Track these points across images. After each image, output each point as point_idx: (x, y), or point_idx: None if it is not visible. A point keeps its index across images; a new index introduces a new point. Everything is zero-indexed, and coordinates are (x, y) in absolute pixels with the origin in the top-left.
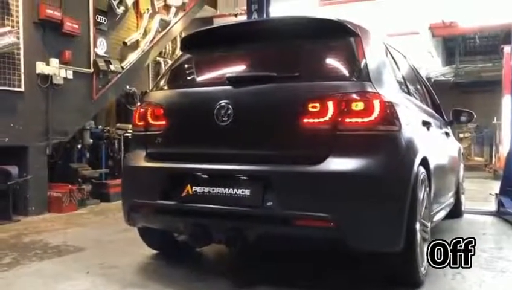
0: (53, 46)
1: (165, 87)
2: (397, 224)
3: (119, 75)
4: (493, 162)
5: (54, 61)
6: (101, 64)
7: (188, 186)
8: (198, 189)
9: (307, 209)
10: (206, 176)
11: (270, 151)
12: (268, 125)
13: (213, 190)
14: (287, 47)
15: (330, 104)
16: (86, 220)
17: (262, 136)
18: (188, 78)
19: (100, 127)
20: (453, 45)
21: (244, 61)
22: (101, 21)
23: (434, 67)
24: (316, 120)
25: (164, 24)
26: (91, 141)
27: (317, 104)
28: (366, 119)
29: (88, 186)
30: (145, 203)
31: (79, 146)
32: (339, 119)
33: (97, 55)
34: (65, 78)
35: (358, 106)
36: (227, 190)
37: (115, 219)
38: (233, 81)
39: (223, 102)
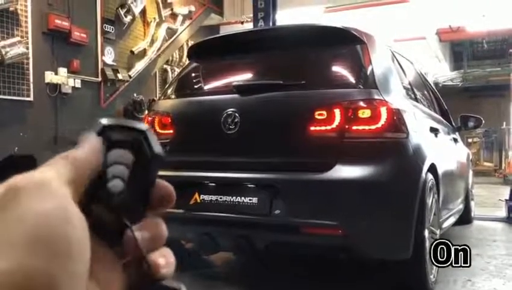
0: (61, 55)
1: (173, 96)
2: (405, 231)
3: (126, 84)
4: (503, 167)
5: (63, 71)
6: (109, 72)
7: (196, 195)
8: (206, 197)
9: (315, 217)
10: (213, 184)
11: (277, 159)
12: (275, 134)
13: (221, 198)
14: (294, 55)
15: (337, 112)
16: None
17: (269, 144)
18: (195, 86)
19: None
20: (461, 50)
21: (251, 69)
22: (109, 30)
23: (441, 72)
24: (323, 128)
25: (171, 32)
26: None
27: (324, 112)
28: (373, 127)
29: None
30: None
31: None
32: (346, 126)
33: (105, 64)
34: (73, 87)
35: (365, 113)
36: (234, 198)
37: None
38: (240, 89)
39: (230, 110)
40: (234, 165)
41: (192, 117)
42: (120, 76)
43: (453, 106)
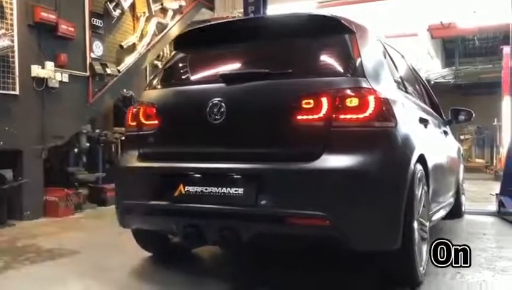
0: (48, 49)
1: (158, 86)
2: (394, 222)
3: (115, 78)
4: (494, 163)
5: (49, 64)
6: (97, 67)
7: (181, 186)
8: (191, 188)
9: (302, 207)
10: (198, 175)
11: (263, 149)
12: (262, 123)
13: (206, 189)
14: (281, 44)
15: (324, 101)
16: (82, 224)
17: (255, 134)
18: (181, 76)
19: (97, 131)
20: (452, 47)
21: (237, 58)
22: (97, 24)
23: (433, 69)
24: (310, 117)
25: (161, 27)
26: (88, 144)
27: (311, 101)
28: (361, 116)
29: (85, 190)
30: (138, 204)
31: (75, 150)
32: (333, 115)
33: (93, 58)
34: (61, 82)
35: (353, 102)
36: (220, 189)
37: (112, 222)
38: (226, 78)
39: (216, 100)
40: (220, 155)
41: (177, 107)
42: (109, 71)
43: (446, 104)
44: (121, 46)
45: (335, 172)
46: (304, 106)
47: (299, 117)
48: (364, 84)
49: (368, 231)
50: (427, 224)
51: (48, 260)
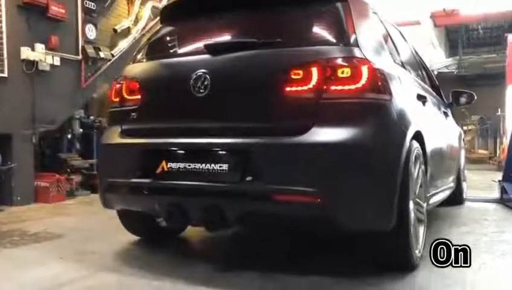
0: (39, 31)
1: (142, 60)
2: (387, 200)
3: (109, 63)
4: (497, 154)
5: (40, 47)
6: (90, 51)
7: (163, 163)
8: (173, 165)
9: (290, 183)
10: (182, 151)
11: (249, 123)
12: (248, 95)
13: (189, 165)
14: (270, 12)
15: (314, 71)
16: (72, 209)
17: (241, 107)
18: (165, 49)
19: (92, 117)
20: (456, 37)
21: (224, 28)
22: (90, 6)
23: (437, 59)
24: (299, 88)
25: (156, 12)
26: (80, 130)
27: (300, 71)
28: (353, 87)
29: (78, 176)
30: (120, 182)
31: (68, 136)
32: (324, 86)
33: (86, 41)
34: (52, 65)
35: (345, 72)
36: (204, 165)
37: (102, 208)
38: (211, 49)
39: (200, 72)
40: (204, 130)
41: (159, 81)
42: (102, 54)
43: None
44: (115, 30)
45: (325, 146)
46: (293, 76)
47: (288, 88)
48: (357, 54)
49: (359, 210)
50: (425, 205)
51: (32, 243)
